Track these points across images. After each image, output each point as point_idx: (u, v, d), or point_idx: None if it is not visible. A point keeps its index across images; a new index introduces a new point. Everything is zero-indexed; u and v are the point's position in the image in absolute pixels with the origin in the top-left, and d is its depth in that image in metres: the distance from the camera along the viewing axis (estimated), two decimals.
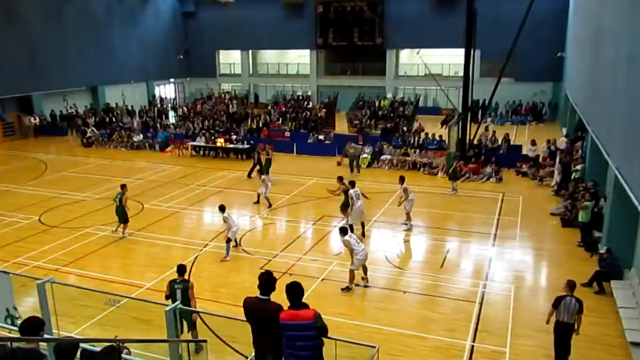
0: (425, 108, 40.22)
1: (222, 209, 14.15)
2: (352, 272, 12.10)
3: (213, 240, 15.38)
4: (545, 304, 11.26)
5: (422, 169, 23.93)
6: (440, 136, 26.36)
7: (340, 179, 16.86)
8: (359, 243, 12.04)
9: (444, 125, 30.60)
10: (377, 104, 35.23)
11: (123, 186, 16.27)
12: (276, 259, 13.99)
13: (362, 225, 15.56)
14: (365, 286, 12.17)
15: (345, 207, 15.87)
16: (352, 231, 14.12)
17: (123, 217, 15.81)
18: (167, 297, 9.74)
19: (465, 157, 23.47)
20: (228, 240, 14.04)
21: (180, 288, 9.71)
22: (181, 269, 9.97)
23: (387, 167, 24.73)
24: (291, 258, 14.04)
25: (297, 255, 14.19)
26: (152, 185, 21.08)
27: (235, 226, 14.22)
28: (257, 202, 18.83)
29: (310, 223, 16.79)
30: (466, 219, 17.39)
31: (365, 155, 24.30)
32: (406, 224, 16.33)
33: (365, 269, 12.66)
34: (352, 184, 15.64)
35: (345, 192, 15.81)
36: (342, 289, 12.08)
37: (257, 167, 22.12)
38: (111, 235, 15.80)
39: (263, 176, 18.49)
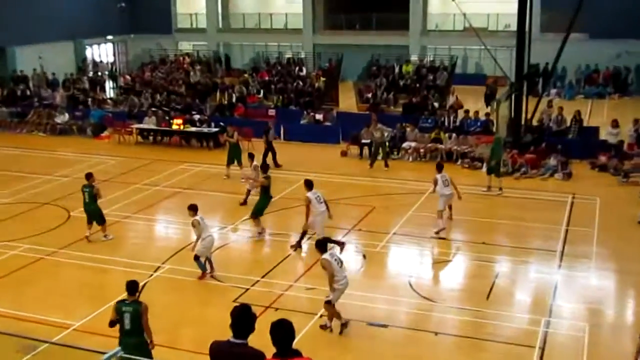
0: (464, 76, 40.39)
1: (193, 209, 14.20)
2: (331, 306, 12.05)
3: (168, 260, 15.41)
4: (632, 348, 11.29)
5: (459, 160, 23.99)
6: (487, 114, 26.44)
7: (256, 167, 17.77)
8: (340, 266, 11.93)
9: (490, 103, 30.69)
10: (397, 70, 35.31)
11: (89, 176, 16.63)
12: (256, 287, 14.04)
13: (303, 235, 15.86)
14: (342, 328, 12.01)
15: (258, 212, 16.58)
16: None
17: (98, 216, 16.43)
18: (111, 324, 9.95)
19: (520, 144, 23.52)
20: (196, 258, 14.06)
21: (129, 311, 9.77)
22: (132, 287, 10.01)
23: (410, 159, 24.81)
24: (277, 286, 14.09)
25: (285, 283, 14.23)
26: (81, 184, 21.10)
27: (209, 236, 14.28)
28: (244, 202, 19.07)
29: (304, 237, 16.82)
30: (521, 231, 17.44)
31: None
32: (438, 227, 16.86)
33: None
34: (309, 184, 15.63)
35: (265, 188, 16.52)
36: (321, 326, 12.14)
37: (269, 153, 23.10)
38: (26, 254, 15.80)
39: (243, 171, 18.55)
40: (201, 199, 20.36)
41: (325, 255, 11.86)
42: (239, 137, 23.10)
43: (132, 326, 9.70)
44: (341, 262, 11.96)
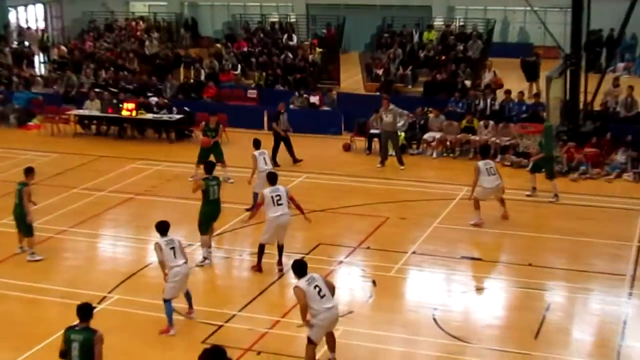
0: (504, 46, 40.48)
1: (162, 229, 13.67)
2: (311, 345, 11.90)
3: (117, 289, 15.39)
4: None
5: (499, 156, 24.02)
6: (537, 94, 26.40)
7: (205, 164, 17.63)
8: (322, 295, 11.70)
9: (533, 80, 30.73)
10: (416, 38, 35.32)
11: (28, 171, 16.80)
12: (232, 323, 14.03)
13: (280, 249, 16.10)
14: None
15: (206, 222, 16.60)
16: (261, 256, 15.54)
17: (24, 224, 16.58)
18: (62, 355, 10.12)
19: (578, 134, 23.52)
20: (166, 300, 13.73)
21: (79, 340, 9.95)
22: (85, 311, 10.18)
23: (434, 154, 24.86)
24: (259, 322, 14.05)
25: (269, 318, 14.21)
26: (5, 189, 21.05)
27: (182, 268, 13.62)
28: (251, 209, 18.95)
29: (294, 257, 16.76)
30: (580, 249, 17.45)
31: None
32: (475, 220, 17.74)
33: (331, 343, 12.21)
34: (272, 178, 15.99)
35: (204, 192, 16.58)
36: None
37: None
38: None
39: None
40: (160, 208, 20.36)
41: (300, 283, 11.68)
42: (224, 131, 22.76)
43: (82, 359, 9.84)
44: (320, 290, 11.69)
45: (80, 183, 22.21)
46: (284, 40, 36.21)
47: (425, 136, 25.17)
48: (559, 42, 25.73)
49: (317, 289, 11.69)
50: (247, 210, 18.48)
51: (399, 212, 19.68)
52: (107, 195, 21.27)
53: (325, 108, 28.62)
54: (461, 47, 33.01)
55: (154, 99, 28.56)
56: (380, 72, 32.50)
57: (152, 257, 17.04)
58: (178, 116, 27.03)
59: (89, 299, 14.71)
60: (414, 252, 17.12)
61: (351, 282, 15.91)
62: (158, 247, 13.55)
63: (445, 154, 24.86)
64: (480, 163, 18.18)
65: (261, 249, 16.05)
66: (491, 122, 24.72)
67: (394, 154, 23.71)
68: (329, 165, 23.80)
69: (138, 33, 39.12)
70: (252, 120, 28.21)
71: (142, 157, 24.99)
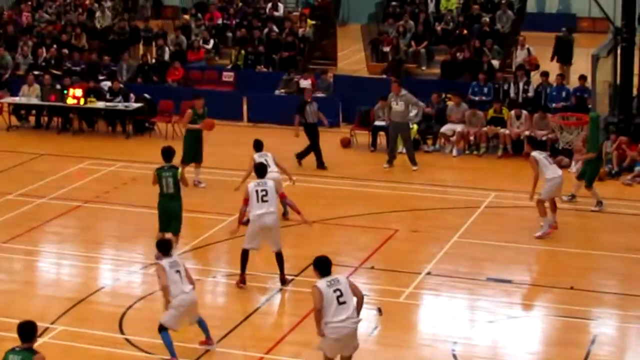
0: (541, 16, 40.48)
1: (164, 247, 13.84)
2: None
3: (61, 318, 15.39)
4: None
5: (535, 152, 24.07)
6: (583, 78, 26.40)
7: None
8: (341, 302, 11.93)
9: (566, 62, 30.76)
10: (432, 7, 35.38)
11: None
12: (208, 358, 14.23)
13: (278, 259, 16.44)
14: None
15: (159, 217, 17.46)
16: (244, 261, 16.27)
17: None
18: None
19: (630, 127, 23.57)
20: (162, 329, 13.64)
21: None
22: (27, 330, 10.44)
23: (454, 151, 24.99)
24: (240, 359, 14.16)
25: (250, 354, 14.28)
26: None
27: (189, 296, 13.56)
28: (285, 214, 19.30)
29: (278, 283, 16.89)
30: (633, 268, 17.49)
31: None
32: (543, 229, 18.08)
33: None
34: (260, 170, 16.60)
35: (159, 184, 17.43)
36: None
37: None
38: None
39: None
40: (114, 219, 20.39)
41: (321, 282, 12.01)
42: (212, 122, 22.51)
43: None
44: (341, 295, 12.00)
45: (15, 188, 22.15)
46: (267, 10, 36.30)
47: (443, 129, 25.23)
48: (607, 14, 25.83)
49: (338, 292, 11.95)
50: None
51: (411, 224, 19.79)
52: (49, 202, 21.22)
53: (319, 94, 28.62)
54: (487, 19, 33.09)
55: (106, 84, 28.55)
56: (387, 49, 32.57)
57: (105, 280, 17.18)
58: (136, 105, 27.04)
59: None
60: (428, 273, 17.14)
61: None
62: (161, 269, 13.52)
63: (467, 152, 24.97)
64: (535, 153, 18.44)
65: (244, 255, 16.27)
66: (524, 112, 24.76)
67: (404, 151, 23.79)
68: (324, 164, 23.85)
69: (87, 2, 39.09)
70: (228, 109, 28.17)
71: (92, 155, 24.98)
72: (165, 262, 13.54)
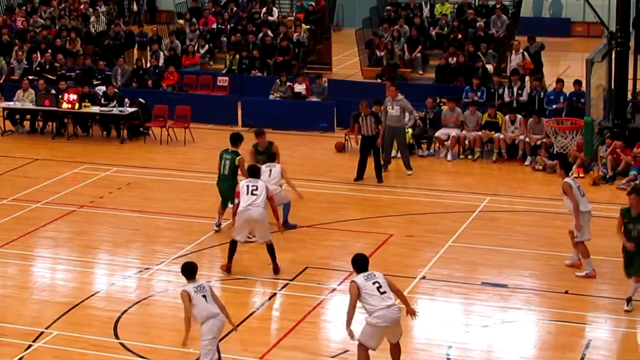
0: (536, 21, 40.50)
1: (188, 272, 13.18)
2: (362, 347, 12.83)
3: (55, 324, 15.36)
4: None
5: (529, 158, 24.22)
6: (578, 82, 26.36)
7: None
8: (382, 292, 12.58)
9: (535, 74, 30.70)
10: (426, 12, 35.41)
11: None
12: None
13: (269, 250, 17.06)
14: None
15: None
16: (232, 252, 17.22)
17: None
18: None
19: (626, 131, 23.60)
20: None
21: None
22: (235, 137, 12.42)
23: (449, 156, 25.01)
24: None
25: (244, 359, 14.31)
26: None
27: (218, 320, 13.13)
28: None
29: (271, 288, 16.89)
30: None
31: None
32: (584, 271, 17.14)
33: (396, 356, 13.21)
34: (252, 172, 17.33)
35: None
36: None
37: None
38: None
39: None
40: (108, 223, 20.37)
41: (358, 277, 12.70)
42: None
43: None
44: (380, 287, 12.65)
45: (9, 193, 22.17)
46: (261, 14, 36.24)
47: (438, 133, 25.22)
48: (601, 18, 25.85)
49: (377, 284, 12.62)
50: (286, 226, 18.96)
51: (406, 228, 19.78)
52: (44, 207, 21.23)
53: (314, 99, 28.65)
54: (482, 24, 33.12)
55: (101, 88, 28.48)
56: (382, 53, 32.58)
57: (99, 284, 17.18)
58: (131, 109, 26.99)
59: (20, 336, 14.84)
60: (423, 278, 17.15)
61: (345, 314, 15.97)
62: (186, 295, 12.93)
63: (462, 156, 24.96)
64: (570, 180, 17.16)
65: (231, 245, 17.04)
66: (519, 116, 24.78)
67: (399, 155, 23.82)
68: (318, 169, 23.84)
69: (81, 7, 39.04)
70: (223, 113, 28.25)
71: (87, 160, 24.96)
72: (190, 287, 12.99)
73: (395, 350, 13.10)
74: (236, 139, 19.16)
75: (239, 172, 18.69)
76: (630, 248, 15.20)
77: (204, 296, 12.91)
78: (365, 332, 12.69)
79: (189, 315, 12.90)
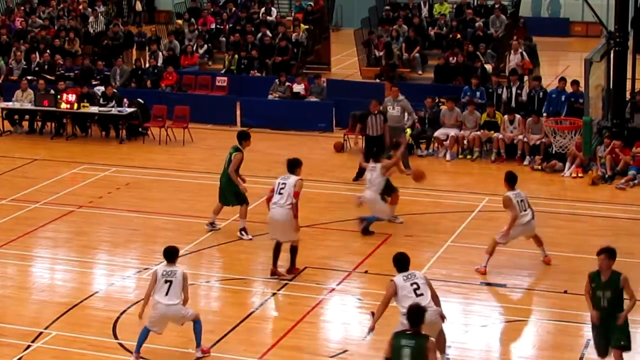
0: (534, 21, 40.52)
1: (167, 254, 13.77)
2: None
3: (55, 324, 15.37)
4: None
5: (527, 158, 24.27)
6: (576, 83, 26.40)
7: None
8: (419, 294, 12.71)
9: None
10: (425, 12, 35.42)
11: None
12: None
13: (291, 250, 17.06)
14: None
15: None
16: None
17: None
18: None
19: (624, 131, 23.61)
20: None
21: None
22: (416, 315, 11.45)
23: (447, 155, 25.05)
24: None
25: (244, 359, 14.25)
26: None
27: (161, 307, 13.67)
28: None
29: (270, 288, 16.92)
30: (627, 272, 17.29)
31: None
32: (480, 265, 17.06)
33: (441, 345, 13.21)
34: (288, 165, 17.24)
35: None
36: None
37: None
38: None
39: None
40: (107, 224, 20.38)
41: (397, 277, 12.88)
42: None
43: None
44: (418, 288, 12.79)
45: (8, 193, 22.18)
46: (260, 14, 36.25)
47: (437, 133, 25.25)
48: (600, 18, 25.86)
49: (415, 285, 12.78)
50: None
51: (404, 228, 19.79)
52: (42, 208, 21.24)
53: (312, 98, 28.67)
54: (481, 23, 33.14)
55: (100, 89, 28.52)
56: (380, 53, 32.59)
57: (98, 284, 17.19)
58: (130, 109, 27.01)
59: (19, 336, 14.84)
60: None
61: (345, 314, 16.00)
62: (153, 274, 13.80)
63: (461, 156, 25.00)
64: (511, 194, 17.18)
65: (275, 247, 16.91)
66: (517, 116, 24.80)
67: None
68: (317, 169, 23.82)
69: (80, 7, 39.04)
70: (222, 113, 28.30)
71: (86, 160, 24.99)
72: (160, 269, 13.68)
73: (440, 336, 13.15)
74: (240, 136, 19.20)
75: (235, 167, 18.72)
76: (594, 319, 12.97)
77: (167, 282, 13.49)
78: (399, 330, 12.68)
79: (148, 292, 13.69)
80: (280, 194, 16.52)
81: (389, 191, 19.22)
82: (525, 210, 17.06)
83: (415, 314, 11.42)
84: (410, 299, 12.49)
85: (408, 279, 12.82)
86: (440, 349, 13.08)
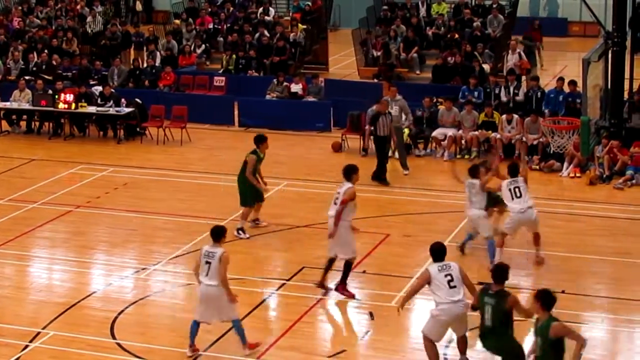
0: (531, 21, 40.49)
1: (212, 233, 13.97)
2: (426, 339, 13.05)
3: (53, 323, 15.35)
4: None
5: (526, 158, 24.21)
6: (573, 83, 26.41)
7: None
8: (452, 286, 12.82)
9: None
10: (423, 12, 35.42)
11: None
12: None
13: (344, 265, 16.27)
14: None
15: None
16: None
17: None
18: None
19: (622, 131, 23.62)
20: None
21: None
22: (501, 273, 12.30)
23: (445, 155, 25.02)
24: None
25: (241, 359, 14.17)
26: None
27: (202, 287, 13.86)
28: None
29: (267, 288, 16.92)
30: (624, 272, 17.44)
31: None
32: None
33: (462, 346, 13.43)
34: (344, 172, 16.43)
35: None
36: None
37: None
38: None
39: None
40: (105, 224, 20.36)
41: (432, 266, 13.04)
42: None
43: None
44: (452, 280, 12.84)
45: (6, 193, 22.17)
46: (258, 14, 36.27)
47: (435, 133, 25.24)
48: (597, 18, 25.87)
49: (449, 277, 12.85)
50: None
51: (403, 228, 19.80)
52: (40, 208, 21.22)
53: (310, 98, 28.66)
54: (479, 23, 33.15)
55: (97, 89, 28.52)
56: (378, 53, 32.60)
57: (96, 284, 17.18)
58: (127, 109, 26.98)
59: (17, 336, 14.83)
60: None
61: (343, 314, 16.01)
62: (197, 254, 14.19)
63: (459, 156, 24.98)
64: (505, 183, 17.29)
65: (327, 262, 16.39)
66: (515, 116, 24.80)
67: (396, 155, 23.80)
68: (315, 169, 23.82)
69: (78, 7, 39.04)
70: (220, 113, 28.29)
71: (83, 160, 24.97)
72: (204, 249, 13.91)
73: (462, 342, 13.33)
74: (257, 139, 19.12)
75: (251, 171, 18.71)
76: None
77: (207, 263, 13.67)
78: (428, 324, 12.97)
79: (194, 271, 14.08)
80: (335, 204, 15.90)
81: (494, 203, 18.19)
82: (518, 197, 17.08)
83: (500, 271, 12.26)
84: (443, 290, 12.72)
85: (443, 269, 12.90)
86: (462, 350, 13.36)
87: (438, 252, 13.13)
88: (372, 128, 22.81)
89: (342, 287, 16.16)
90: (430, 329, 12.95)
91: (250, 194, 18.87)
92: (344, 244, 15.95)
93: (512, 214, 17.26)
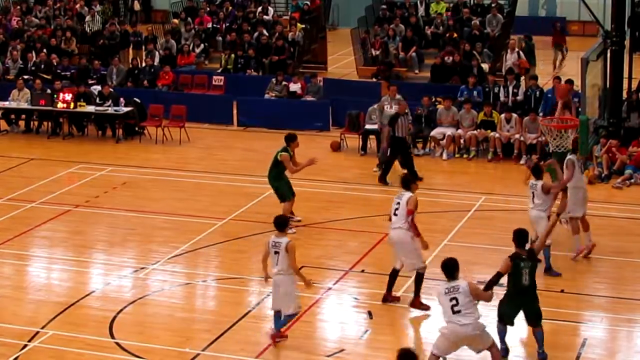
0: (531, 21, 40.51)
1: (277, 223, 14.27)
2: (433, 356, 12.90)
3: (51, 323, 15.35)
4: None
5: (524, 157, 24.28)
6: (570, 82, 26.44)
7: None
8: (456, 311, 12.65)
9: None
10: (422, 11, 35.43)
11: None
12: None
13: (416, 278, 16.06)
14: None
15: None
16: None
17: None
18: None
19: (621, 130, 23.62)
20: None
21: None
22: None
23: (444, 155, 25.05)
24: None
25: (240, 358, 14.17)
26: None
27: (276, 277, 14.21)
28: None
29: (266, 287, 16.83)
30: (625, 272, 17.51)
31: None
32: None
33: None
34: (402, 182, 16.05)
35: None
36: None
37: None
38: None
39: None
40: (104, 223, 20.37)
41: (442, 286, 12.93)
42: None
43: None
44: (456, 304, 12.61)
45: (5, 193, 22.16)
46: (257, 13, 36.25)
47: (433, 133, 25.24)
48: (596, 17, 25.89)
49: (453, 301, 12.63)
50: None
51: None
52: (39, 207, 21.21)
53: (309, 98, 28.67)
54: (477, 22, 33.15)
55: (96, 88, 28.51)
56: (377, 52, 32.60)
57: (95, 284, 17.17)
58: (126, 109, 26.99)
59: (16, 336, 14.82)
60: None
61: (342, 313, 15.97)
62: (265, 243, 14.45)
63: (457, 155, 24.99)
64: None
65: (390, 273, 16.09)
66: (514, 115, 24.81)
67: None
68: (314, 169, 23.61)
69: (76, 6, 39.03)
70: (218, 112, 28.31)
71: (82, 159, 24.97)
72: (271, 239, 14.20)
73: (495, 354, 13.22)
74: (287, 138, 19.47)
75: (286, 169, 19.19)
76: None
77: (276, 253, 14.02)
78: (437, 341, 12.85)
79: (262, 261, 14.47)
80: (395, 215, 15.47)
81: None
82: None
83: (522, 236, 13.91)
84: (446, 314, 12.67)
85: (449, 292, 12.67)
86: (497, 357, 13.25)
87: (447, 269, 12.90)
88: (391, 129, 22.67)
89: (418, 300, 15.81)
90: (437, 343, 12.85)
91: (285, 189, 19.15)
92: (413, 252, 15.62)
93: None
